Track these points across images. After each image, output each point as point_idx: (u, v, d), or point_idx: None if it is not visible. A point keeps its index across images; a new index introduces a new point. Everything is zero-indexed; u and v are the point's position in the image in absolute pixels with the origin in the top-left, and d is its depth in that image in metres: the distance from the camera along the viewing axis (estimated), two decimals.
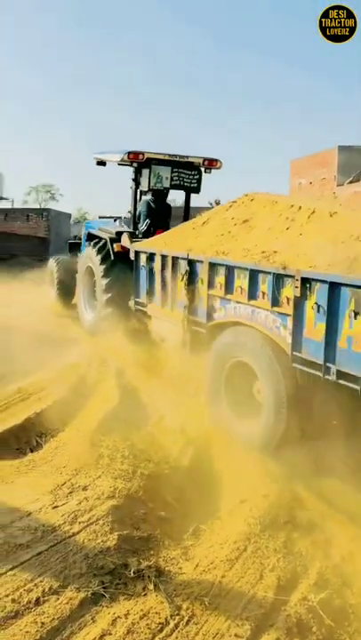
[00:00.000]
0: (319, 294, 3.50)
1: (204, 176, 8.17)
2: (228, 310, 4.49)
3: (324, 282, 3.44)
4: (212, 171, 8.24)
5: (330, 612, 2.53)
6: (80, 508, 3.23)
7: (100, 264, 7.53)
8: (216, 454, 4.13)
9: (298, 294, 3.64)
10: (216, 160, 8.19)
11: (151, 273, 5.77)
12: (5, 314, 9.49)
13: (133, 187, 7.99)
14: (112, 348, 6.58)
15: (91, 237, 8.44)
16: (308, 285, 3.59)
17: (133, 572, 2.71)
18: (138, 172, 7.84)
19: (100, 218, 9.45)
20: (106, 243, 7.69)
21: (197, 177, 8.08)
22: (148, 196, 8.09)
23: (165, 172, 7.83)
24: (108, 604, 2.51)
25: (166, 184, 7.91)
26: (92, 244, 8.03)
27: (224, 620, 2.46)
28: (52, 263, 10.71)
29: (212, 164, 8.14)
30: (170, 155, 7.82)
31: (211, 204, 15.28)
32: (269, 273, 3.92)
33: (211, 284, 4.65)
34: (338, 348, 3.39)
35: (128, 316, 6.56)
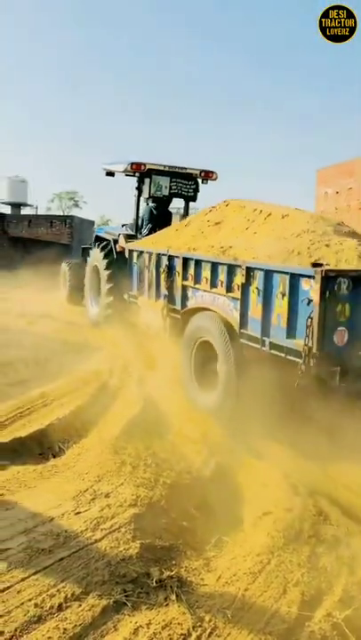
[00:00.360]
0: (259, 280, 4.38)
1: (216, 185, 9.12)
2: (197, 298, 5.43)
3: (261, 269, 4.36)
4: (209, 182, 9.14)
5: (355, 629, 2.49)
6: (102, 515, 3.24)
7: (103, 259, 8.59)
8: (238, 465, 4.12)
9: (244, 281, 4.53)
10: (212, 172, 9.09)
11: (140, 268, 6.73)
12: (25, 319, 9.71)
13: (136, 194, 8.96)
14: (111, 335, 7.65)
15: (98, 240, 9.37)
16: (251, 273, 4.47)
17: (155, 582, 2.71)
18: (140, 181, 8.80)
19: (122, 225, 9.80)
20: (109, 243, 8.74)
21: (194, 186, 9.09)
22: (151, 204, 8.91)
23: (165, 181, 8.84)
24: (130, 613, 2.51)
25: (165, 192, 8.89)
26: (98, 245, 9.05)
27: (247, 633, 2.44)
28: (64, 267, 11.60)
29: (208, 175, 9.08)
30: (169, 166, 8.82)
31: None
32: (224, 264, 4.85)
33: (184, 276, 5.57)
34: (271, 324, 4.27)
35: (125, 306, 7.45)
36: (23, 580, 2.66)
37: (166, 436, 4.55)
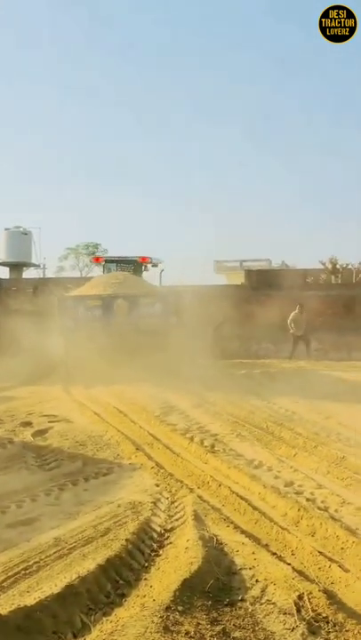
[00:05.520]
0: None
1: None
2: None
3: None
4: (148, 265, 22.87)
5: None
6: None
7: None
8: None
9: None
10: (147, 257, 22.09)
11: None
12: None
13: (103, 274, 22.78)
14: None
15: None
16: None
17: None
18: (103, 267, 23.59)
19: None
20: None
21: (133, 267, 21.94)
22: None
23: (113, 266, 22.57)
24: None
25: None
26: None
27: None
28: None
29: (144, 260, 22.16)
30: (117, 256, 23.72)
31: (323, 263, 31.90)
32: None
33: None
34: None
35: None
36: None
37: (241, 602, 4.36)
